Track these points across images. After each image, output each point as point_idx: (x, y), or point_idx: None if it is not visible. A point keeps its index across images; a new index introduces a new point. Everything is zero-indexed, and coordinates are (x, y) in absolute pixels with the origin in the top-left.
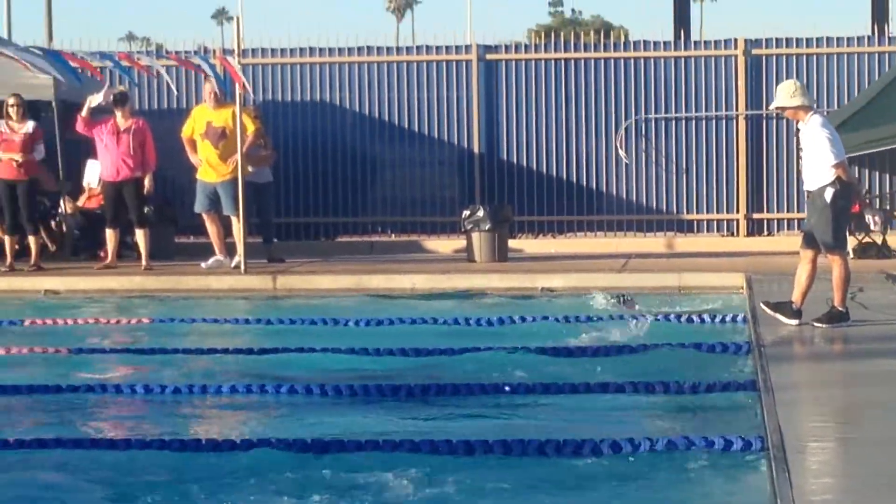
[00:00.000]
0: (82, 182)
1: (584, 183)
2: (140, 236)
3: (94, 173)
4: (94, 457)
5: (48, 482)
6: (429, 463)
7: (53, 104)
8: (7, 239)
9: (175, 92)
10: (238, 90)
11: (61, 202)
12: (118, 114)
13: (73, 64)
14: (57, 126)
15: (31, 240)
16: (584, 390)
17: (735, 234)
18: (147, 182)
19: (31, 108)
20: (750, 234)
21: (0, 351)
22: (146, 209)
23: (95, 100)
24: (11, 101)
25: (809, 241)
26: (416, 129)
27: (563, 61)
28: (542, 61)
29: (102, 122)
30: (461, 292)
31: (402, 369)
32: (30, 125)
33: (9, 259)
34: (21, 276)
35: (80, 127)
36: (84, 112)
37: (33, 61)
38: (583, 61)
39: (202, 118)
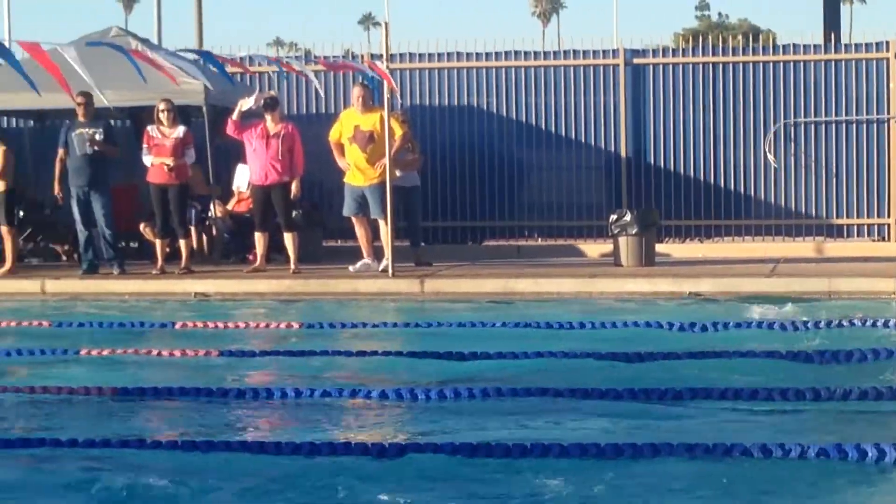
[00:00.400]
0: (232, 186)
1: (732, 187)
2: (288, 240)
3: (243, 177)
4: (243, 460)
5: (202, 486)
6: (579, 466)
7: (204, 109)
8: (158, 242)
9: (322, 96)
10: (386, 94)
11: (212, 206)
12: (268, 118)
13: (226, 68)
14: (207, 130)
15: (182, 243)
16: (731, 396)
17: (886, 238)
18: (295, 186)
19: (181, 113)
20: None
21: (152, 352)
22: (294, 213)
23: (246, 104)
24: (162, 105)
25: None
26: (563, 134)
27: (710, 65)
28: (690, 65)
29: (252, 126)
30: (608, 296)
31: (548, 371)
32: (181, 130)
33: (160, 262)
34: (172, 279)
35: (230, 130)
36: (235, 116)
37: (183, 67)
38: (730, 65)
39: (350, 122)
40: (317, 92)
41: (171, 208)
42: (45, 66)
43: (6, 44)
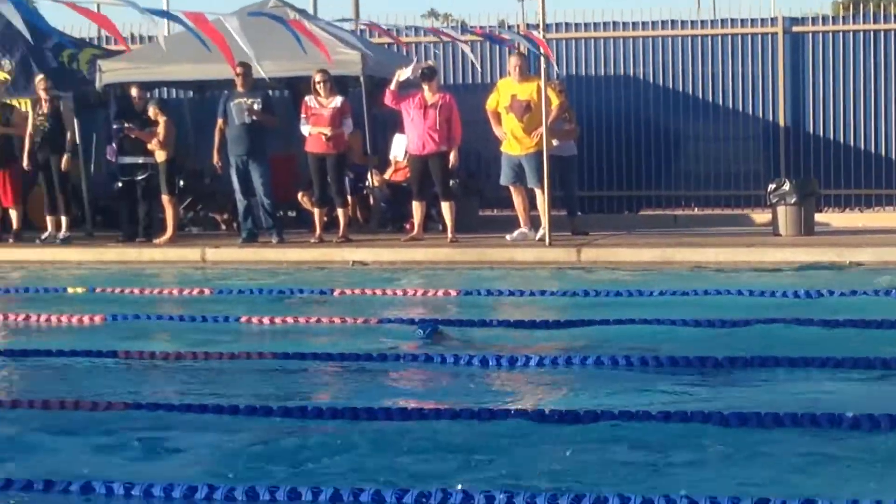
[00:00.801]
0: (389, 155)
1: (893, 156)
2: (446, 209)
3: (400, 147)
4: (402, 428)
5: (361, 454)
6: (733, 436)
7: (361, 79)
8: (316, 211)
9: (478, 67)
10: (542, 64)
11: (369, 175)
12: (426, 88)
13: (380, 39)
14: (364, 101)
15: (340, 212)
16: (880, 366)
17: None
18: (452, 156)
19: (338, 83)
20: None
21: (311, 319)
22: (452, 182)
23: (404, 74)
24: (318, 77)
25: None
26: (720, 103)
27: (871, 32)
28: (850, 33)
29: (410, 96)
30: (767, 266)
31: (708, 340)
32: (338, 100)
33: (318, 231)
34: (330, 248)
35: (388, 100)
36: (393, 86)
37: (342, 36)
38: (892, 32)
39: (507, 91)
40: (472, 62)
41: (328, 178)
42: (209, 35)
43: (168, 12)
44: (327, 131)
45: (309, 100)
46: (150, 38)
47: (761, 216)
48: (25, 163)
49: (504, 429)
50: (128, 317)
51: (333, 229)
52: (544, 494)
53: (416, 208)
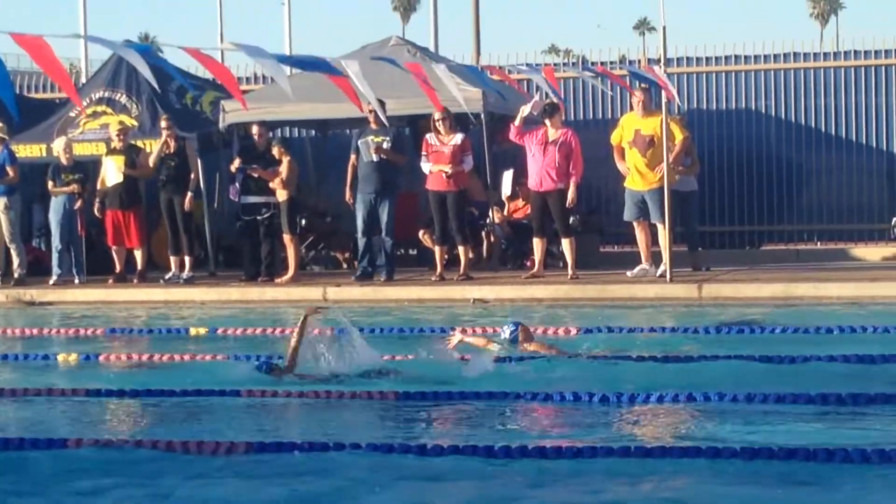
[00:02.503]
0: (505, 193)
1: None
2: (566, 246)
3: (507, 183)
4: (534, 465)
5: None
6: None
7: (482, 116)
8: (437, 249)
9: (609, 92)
10: (665, 98)
11: (490, 212)
12: (548, 124)
13: (495, 77)
14: (485, 137)
15: (461, 250)
16: None
17: None
18: (571, 193)
19: (459, 120)
20: None
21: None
22: (572, 219)
23: (526, 110)
24: (437, 114)
25: None
26: (842, 136)
27: None
28: None
29: (533, 131)
30: (891, 300)
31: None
32: (458, 137)
33: (439, 268)
34: (451, 285)
35: (512, 135)
36: (517, 122)
37: (463, 74)
38: None
39: (630, 126)
40: (594, 96)
41: (449, 215)
42: (334, 80)
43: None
44: (448, 169)
45: (430, 137)
46: (272, 78)
47: (885, 250)
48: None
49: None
50: (250, 357)
51: (454, 267)
52: None
53: (537, 245)
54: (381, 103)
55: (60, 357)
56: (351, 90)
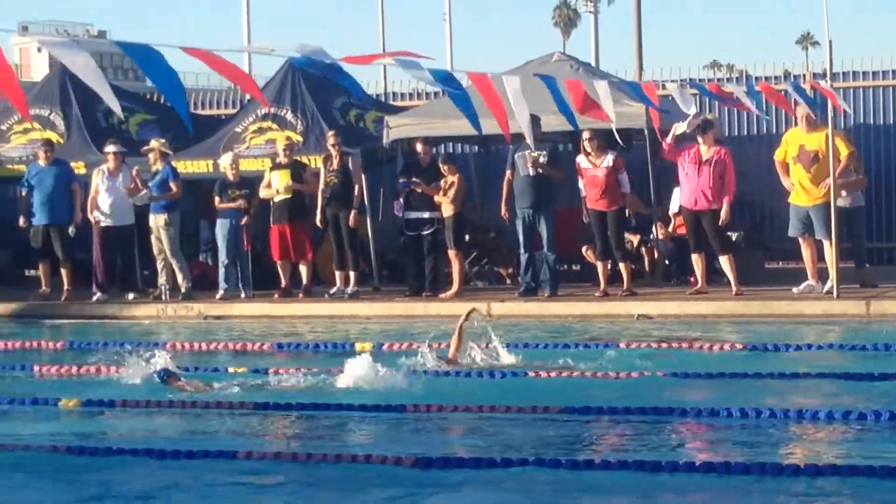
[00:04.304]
0: (670, 209)
1: None
2: (724, 262)
3: (676, 201)
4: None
5: None
6: None
7: (645, 132)
8: (599, 265)
9: (765, 118)
10: (830, 114)
11: (653, 228)
12: (701, 141)
13: (662, 91)
14: (648, 153)
15: (622, 266)
16: None
17: None
18: (724, 212)
19: (622, 136)
20: None
21: (597, 374)
22: (735, 235)
23: (681, 127)
24: (586, 135)
25: None
26: None
27: None
28: None
29: (686, 149)
30: None
31: None
32: (609, 158)
33: (602, 284)
34: (614, 301)
35: (665, 153)
36: (669, 139)
37: (624, 89)
38: None
39: (795, 142)
40: (755, 112)
41: (609, 233)
42: (487, 101)
43: (452, 73)
44: (601, 190)
45: (581, 160)
46: (434, 93)
47: None
48: (318, 219)
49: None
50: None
51: (618, 282)
52: None
53: (696, 261)
54: (536, 119)
55: (230, 369)
56: (502, 112)
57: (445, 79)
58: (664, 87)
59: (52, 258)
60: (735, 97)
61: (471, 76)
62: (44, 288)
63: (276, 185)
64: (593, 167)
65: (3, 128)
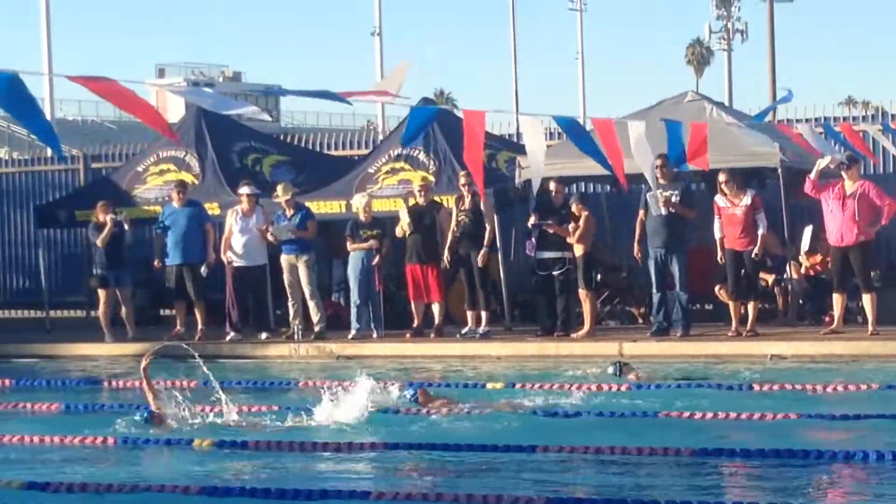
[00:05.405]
0: (802, 248)
1: None
2: (867, 301)
3: (807, 239)
4: None
5: None
6: None
7: (779, 171)
8: (732, 304)
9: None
10: None
11: (787, 267)
12: (845, 177)
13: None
14: (782, 191)
15: (751, 305)
16: None
17: None
18: (884, 217)
19: (756, 175)
20: None
21: (729, 415)
22: (873, 273)
23: (823, 163)
24: (722, 177)
25: None
26: None
27: None
28: None
29: (830, 185)
30: None
31: None
32: (748, 197)
33: (734, 324)
34: (746, 341)
35: (808, 189)
36: (813, 175)
37: (757, 127)
38: None
39: None
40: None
41: (744, 272)
42: (606, 147)
43: (580, 120)
44: (740, 228)
45: (719, 199)
46: (560, 133)
47: None
48: (446, 257)
49: None
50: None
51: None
52: None
53: (837, 300)
54: (664, 157)
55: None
56: (619, 159)
57: (569, 124)
58: (796, 127)
59: (187, 298)
60: (863, 134)
61: (594, 122)
62: (178, 328)
63: (403, 224)
64: (732, 206)
65: (140, 169)
